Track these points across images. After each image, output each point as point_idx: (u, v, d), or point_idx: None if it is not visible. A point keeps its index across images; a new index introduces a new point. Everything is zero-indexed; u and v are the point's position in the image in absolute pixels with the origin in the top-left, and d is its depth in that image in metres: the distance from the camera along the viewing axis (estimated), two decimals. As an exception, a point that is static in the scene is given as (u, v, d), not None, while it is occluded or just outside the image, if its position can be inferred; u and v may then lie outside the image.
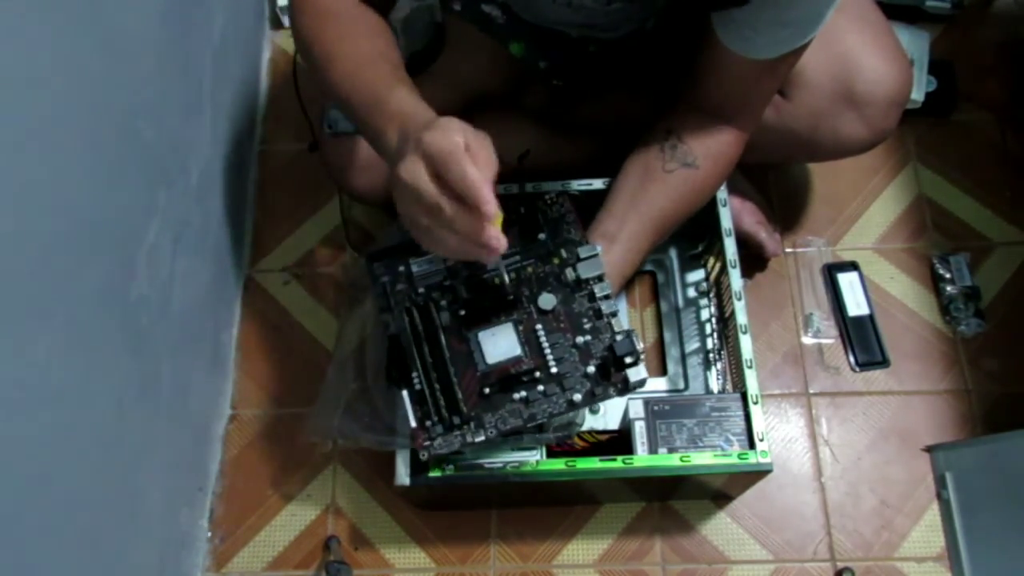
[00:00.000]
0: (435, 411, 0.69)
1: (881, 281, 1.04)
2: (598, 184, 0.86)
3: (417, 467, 0.75)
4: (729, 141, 0.77)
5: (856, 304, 1.02)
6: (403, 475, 0.75)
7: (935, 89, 1.10)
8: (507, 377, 0.70)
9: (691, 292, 1.00)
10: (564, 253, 0.74)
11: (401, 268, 0.75)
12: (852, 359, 1.00)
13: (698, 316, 0.98)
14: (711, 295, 0.97)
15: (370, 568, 0.92)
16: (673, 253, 1.02)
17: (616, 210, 0.78)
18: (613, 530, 0.93)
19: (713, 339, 0.94)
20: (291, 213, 1.10)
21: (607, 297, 0.72)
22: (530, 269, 0.74)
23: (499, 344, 0.71)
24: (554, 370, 0.70)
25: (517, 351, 0.71)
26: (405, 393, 0.70)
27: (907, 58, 0.83)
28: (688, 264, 1.01)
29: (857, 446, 0.96)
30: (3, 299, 0.56)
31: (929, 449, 0.96)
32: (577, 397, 0.69)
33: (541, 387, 0.69)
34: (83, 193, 0.67)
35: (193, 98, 0.92)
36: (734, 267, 0.84)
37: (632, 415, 0.77)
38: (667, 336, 0.99)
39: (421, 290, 0.74)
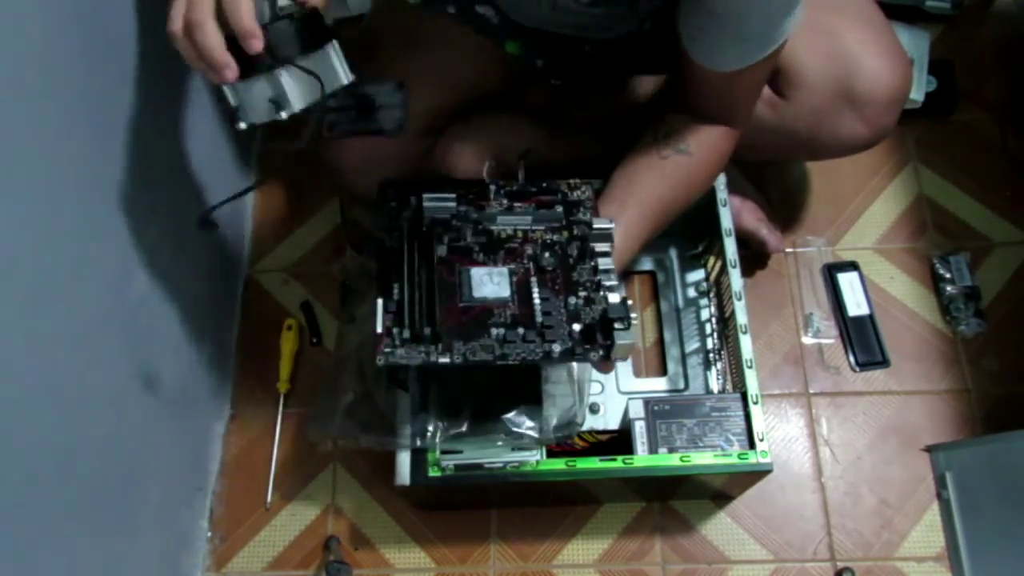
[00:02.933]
0: (408, 320, 0.67)
1: (881, 281, 1.04)
2: (598, 184, 0.86)
3: (417, 467, 0.75)
4: (721, 134, 0.78)
5: (856, 304, 1.02)
6: (403, 475, 0.75)
7: (935, 89, 1.11)
8: (488, 315, 0.68)
9: (691, 292, 1.00)
10: (575, 230, 0.74)
11: (412, 199, 0.74)
12: (852, 359, 1.00)
13: (698, 316, 0.98)
14: (711, 295, 0.97)
15: (370, 568, 0.92)
16: (673, 253, 1.02)
17: (615, 195, 0.78)
18: (613, 530, 0.93)
19: (713, 339, 0.95)
20: (291, 213, 1.10)
21: (608, 272, 0.71)
22: (538, 233, 0.74)
23: (489, 283, 0.70)
24: (539, 320, 0.68)
25: (505, 293, 0.70)
26: (379, 301, 0.67)
27: (907, 57, 0.83)
28: (688, 264, 1.01)
29: (857, 446, 0.96)
30: (3, 299, 0.56)
31: (929, 449, 0.96)
32: (556, 348, 0.67)
33: (521, 330, 0.67)
34: (83, 193, 0.67)
35: (193, 98, 0.92)
36: (734, 267, 0.84)
37: (632, 415, 0.77)
38: (667, 336, 0.99)
39: (427, 221, 0.73)
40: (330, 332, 1.03)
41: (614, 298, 0.69)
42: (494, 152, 0.83)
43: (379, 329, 0.66)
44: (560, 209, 0.76)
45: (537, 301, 0.69)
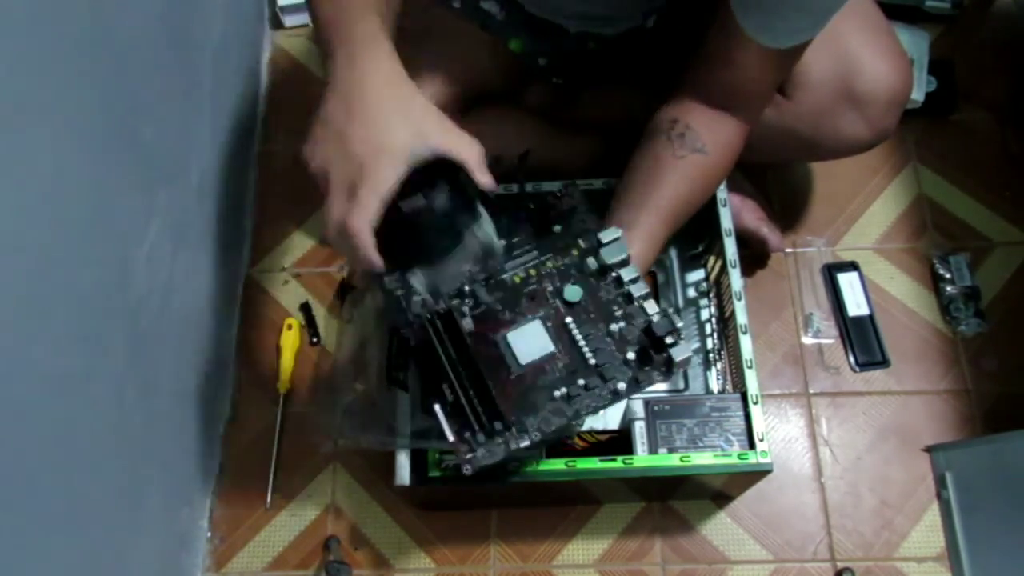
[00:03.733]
0: (475, 421, 0.64)
1: (881, 281, 1.04)
2: (599, 184, 0.86)
3: (417, 467, 0.75)
4: (735, 131, 0.77)
5: (856, 304, 1.02)
6: (403, 475, 0.75)
7: (935, 89, 1.11)
8: (542, 374, 0.66)
9: (691, 292, 1.00)
10: (582, 243, 0.72)
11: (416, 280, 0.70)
12: (852, 359, 1.00)
13: (698, 316, 0.98)
14: (711, 295, 0.97)
15: (370, 568, 0.92)
16: (673, 253, 1.02)
17: (631, 200, 0.77)
18: (613, 530, 0.93)
19: (713, 339, 0.95)
20: (291, 213, 1.10)
21: (635, 280, 0.68)
22: (549, 264, 0.71)
23: (530, 343, 0.67)
24: (592, 362, 0.66)
25: (550, 348, 0.67)
26: (438, 407, 0.64)
27: (907, 58, 0.83)
28: (688, 264, 1.01)
29: (857, 446, 0.96)
30: (3, 299, 0.56)
31: (929, 449, 0.96)
32: (621, 386, 0.65)
33: (582, 380, 0.66)
34: (83, 193, 0.67)
35: (193, 98, 0.92)
36: (734, 267, 0.84)
37: (632, 415, 0.77)
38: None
39: (441, 300, 0.69)
40: (330, 332, 1.03)
41: (652, 310, 0.67)
42: (494, 152, 0.83)
43: (451, 438, 0.64)
44: (559, 228, 0.73)
45: (582, 343, 0.67)
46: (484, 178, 0.61)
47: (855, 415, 0.98)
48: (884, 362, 1.00)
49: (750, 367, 0.79)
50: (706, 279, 0.99)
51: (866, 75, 0.79)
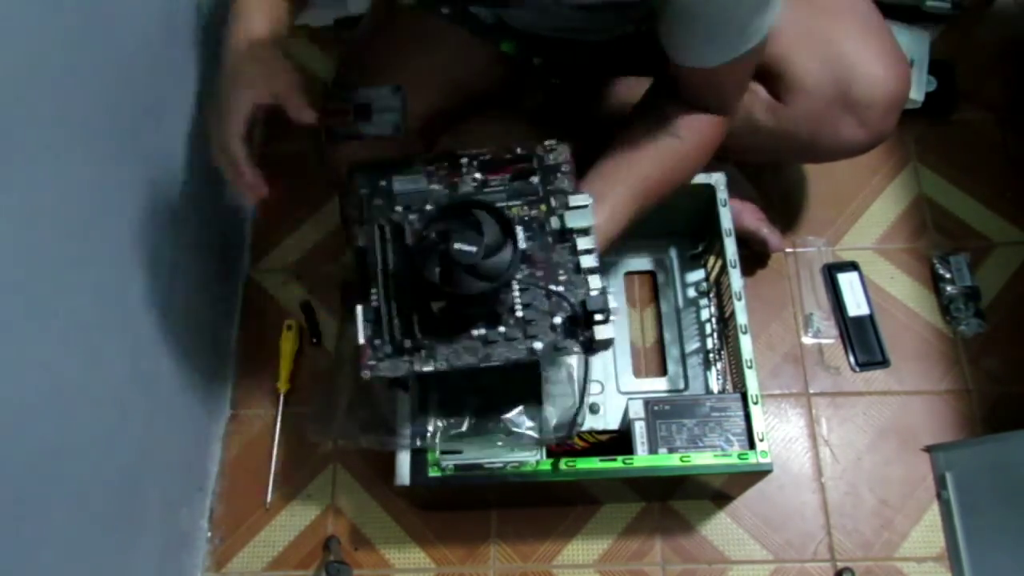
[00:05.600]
0: (388, 332, 0.65)
1: (881, 281, 1.04)
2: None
3: (417, 467, 0.75)
4: (710, 122, 0.78)
5: (856, 304, 1.02)
6: (403, 475, 0.75)
7: (935, 89, 1.11)
8: (470, 309, 0.66)
9: (691, 292, 1.00)
10: (553, 202, 0.70)
11: (383, 183, 0.71)
12: (852, 359, 1.00)
13: (698, 316, 0.98)
14: (711, 295, 0.97)
15: (370, 568, 0.92)
16: (673, 253, 1.02)
17: (605, 171, 0.76)
18: (613, 530, 0.93)
19: (713, 339, 0.95)
20: (291, 213, 1.10)
21: (590, 252, 0.68)
22: (515, 210, 0.70)
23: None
24: (520, 314, 0.66)
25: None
26: (359, 308, 0.65)
27: (905, 60, 0.83)
28: (688, 264, 1.01)
29: (857, 446, 0.96)
30: (3, 299, 0.56)
31: (929, 449, 0.96)
32: (538, 346, 0.65)
33: (503, 328, 0.65)
34: (83, 193, 0.67)
35: (193, 98, 0.92)
36: (734, 267, 0.84)
37: (632, 415, 0.77)
38: (667, 336, 0.99)
39: (399, 208, 0.70)
40: (330, 332, 1.03)
41: (595, 285, 0.67)
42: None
43: (361, 340, 0.65)
44: (536, 180, 0.72)
45: (517, 292, 0.67)
46: (298, 113, 0.70)
47: (855, 415, 0.98)
48: (884, 362, 1.00)
49: (750, 367, 0.79)
50: (706, 279, 0.99)
51: (862, 79, 0.79)
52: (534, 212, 0.70)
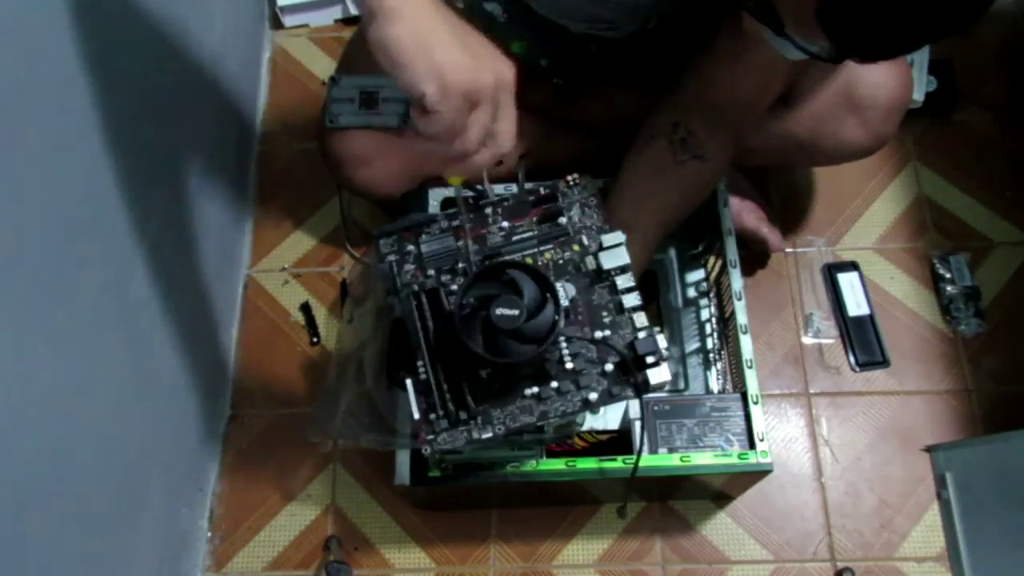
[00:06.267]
0: (440, 404, 0.64)
1: (881, 281, 1.04)
2: (598, 184, 0.86)
3: (417, 467, 0.75)
4: (731, 138, 0.78)
5: (856, 304, 1.02)
6: (403, 475, 0.75)
7: (935, 89, 1.10)
8: (518, 371, 0.64)
9: (691, 292, 1.00)
10: (585, 240, 0.69)
11: (410, 247, 0.69)
12: (852, 359, 1.00)
13: (698, 316, 0.98)
14: (711, 295, 0.97)
15: (370, 568, 0.92)
16: (673, 253, 1.02)
17: (630, 199, 0.76)
18: (613, 530, 0.93)
19: (713, 339, 0.94)
20: (291, 213, 1.10)
21: (630, 290, 0.67)
22: (548, 255, 0.68)
23: None
24: (569, 366, 0.64)
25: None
26: (409, 382, 0.64)
27: (907, 64, 0.83)
28: (688, 264, 1.01)
29: (857, 446, 0.96)
30: (3, 299, 0.56)
31: (929, 449, 0.96)
32: (593, 396, 0.64)
33: (555, 384, 0.64)
34: (83, 193, 0.67)
35: (193, 98, 0.92)
36: (734, 267, 0.84)
37: (632, 415, 0.77)
38: (667, 336, 0.99)
39: (431, 272, 0.68)
40: (330, 332, 1.03)
41: (640, 323, 0.65)
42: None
43: (417, 416, 0.64)
44: (564, 221, 0.70)
45: (564, 344, 0.65)
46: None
47: (855, 415, 0.98)
48: (884, 362, 1.00)
49: (750, 367, 0.79)
50: (706, 279, 0.99)
51: (866, 81, 0.79)
52: (567, 254, 0.69)
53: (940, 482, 0.93)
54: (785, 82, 0.75)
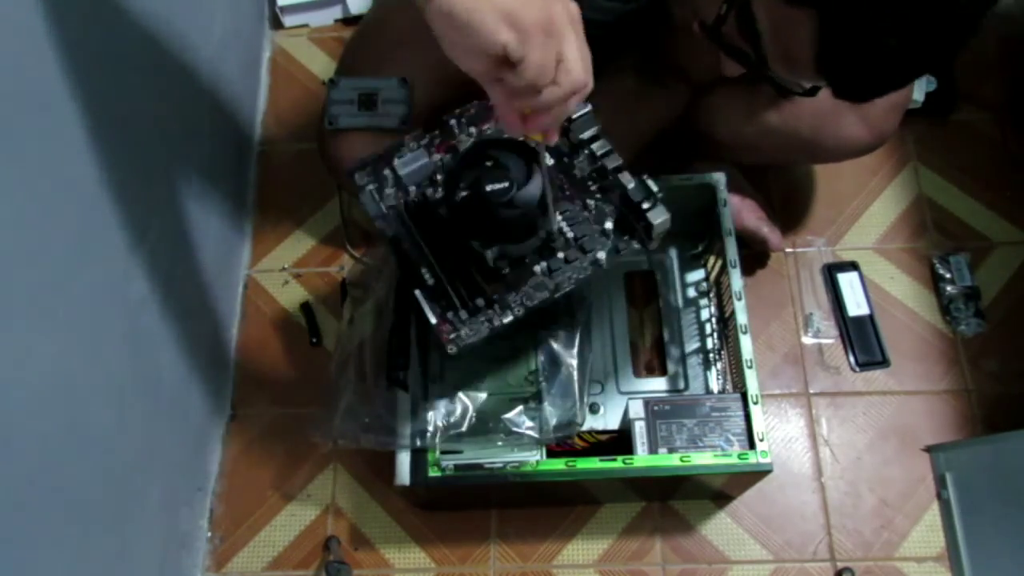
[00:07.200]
0: (457, 300, 0.65)
1: (881, 281, 1.04)
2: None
3: (417, 467, 0.75)
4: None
5: (856, 304, 1.02)
6: (403, 475, 0.75)
7: (935, 89, 1.10)
8: (524, 252, 0.65)
9: (691, 292, 1.00)
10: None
11: (386, 172, 0.70)
12: (852, 359, 1.00)
13: (698, 316, 0.98)
14: (711, 295, 0.97)
15: (370, 568, 0.92)
16: (673, 253, 1.02)
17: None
18: (613, 530, 0.93)
19: (713, 339, 0.95)
20: (291, 213, 1.10)
21: (608, 153, 0.68)
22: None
23: None
24: (570, 235, 0.66)
25: None
26: (418, 292, 0.65)
27: None
28: (688, 264, 1.01)
29: (857, 446, 0.96)
30: (3, 299, 0.56)
31: (929, 449, 0.96)
32: (601, 255, 0.65)
33: (561, 254, 0.65)
34: (83, 193, 0.67)
35: (193, 98, 0.92)
36: (734, 267, 0.84)
37: (632, 415, 0.77)
38: (667, 336, 0.99)
39: (412, 188, 0.70)
40: (330, 332, 1.03)
41: (627, 180, 0.66)
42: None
43: (434, 320, 0.65)
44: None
45: (559, 217, 0.66)
46: None
47: (855, 415, 0.98)
48: (884, 362, 1.00)
49: (750, 367, 0.79)
50: (706, 279, 0.99)
51: None
52: (537, 138, 0.67)
53: (940, 482, 0.93)
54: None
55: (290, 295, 1.06)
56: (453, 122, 0.72)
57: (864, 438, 0.97)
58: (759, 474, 0.76)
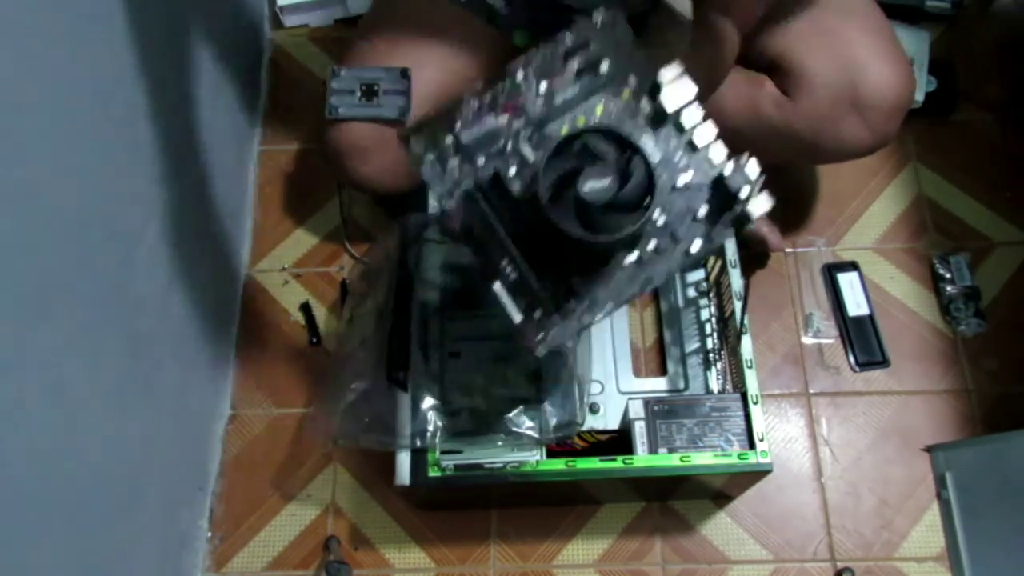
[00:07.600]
0: (544, 298, 0.56)
1: (881, 281, 1.04)
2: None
3: (417, 467, 0.75)
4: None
5: (856, 304, 1.02)
6: (403, 475, 0.75)
7: (935, 89, 1.11)
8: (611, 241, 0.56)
9: (691, 292, 1.00)
10: (634, 80, 0.58)
11: (448, 140, 0.58)
12: (852, 359, 1.00)
13: (698, 316, 0.98)
14: (711, 295, 0.97)
15: (370, 568, 0.92)
16: (673, 253, 1.02)
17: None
18: (613, 530, 0.93)
19: (713, 339, 0.95)
20: (291, 213, 1.10)
21: (700, 123, 0.58)
22: (599, 109, 0.59)
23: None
24: (661, 221, 0.57)
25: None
26: (497, 285, 0.56)
27: (910, 63, 0.83)
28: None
29: (857, 446, 0.96)
30: (3, 299, 0.56)
31: (929, 449, 0.96)
32: (694, 247, 0.57)
33: (652, 242, 0.57)
34: (83, 193, 0.67)
35: (193, 98, 0.92)
36: (734, 267, 0.84)
37: (632, 415, 0.77)
38: (667, 336, 0.99)
39: (481, 160, 0.58)
40: (330, 332, 1.03)
41: (719, 159, 0.57)
42: None
43: (517, 319, 0.56)
44: (606, 68, 0.59)
45: (647, 197, 0.56)
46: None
47: (855, 415, 0.98)
48: (884, 362, 1.00)
49: (750, 367, 0.79)
50: (706, 279, 0.99)
51: (871, 80, 0.79)
52: (620, 104, 0.59)
53: (940, 482, 0.93)
54: None
55: (290, 295, 1.06)
56: (520, 73, 0.58)
57: (864, 438, 0.97)
58: (759, 474, 0.76)
